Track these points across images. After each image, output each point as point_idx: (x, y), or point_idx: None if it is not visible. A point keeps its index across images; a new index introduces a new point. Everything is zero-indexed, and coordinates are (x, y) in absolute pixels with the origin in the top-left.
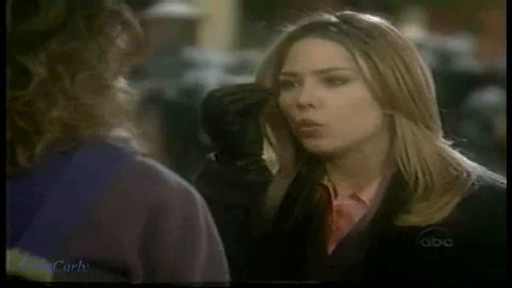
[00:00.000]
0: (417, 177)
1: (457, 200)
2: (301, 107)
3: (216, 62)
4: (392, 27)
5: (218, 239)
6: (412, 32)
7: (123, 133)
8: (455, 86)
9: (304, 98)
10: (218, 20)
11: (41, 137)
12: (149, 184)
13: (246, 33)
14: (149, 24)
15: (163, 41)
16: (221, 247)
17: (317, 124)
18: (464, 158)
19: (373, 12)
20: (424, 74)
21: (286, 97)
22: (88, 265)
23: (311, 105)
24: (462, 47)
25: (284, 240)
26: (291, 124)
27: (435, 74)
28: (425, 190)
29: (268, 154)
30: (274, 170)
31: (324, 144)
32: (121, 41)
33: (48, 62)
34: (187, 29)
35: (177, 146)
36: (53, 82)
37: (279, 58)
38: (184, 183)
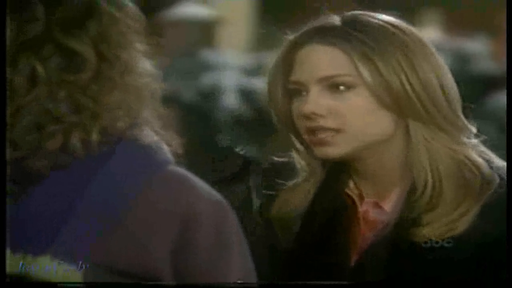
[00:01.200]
0: (426, 183)
1: (477, 207)
2: (306, 116)
3: (233, 64)
4: (403, 26)
5: (248, 249)
6: (429, 33)
7: (154, 136)
8: (473, 88)
9: (308, 108)
10: (236, 22)
11: (96, 122)
12: (180, 194)
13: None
14: (167, 26)
15: (180, 43)
16: (250, 258)
17: (328, 129)
18: (494, 159)
19: (389, 12)
20: (438, 76)
21: (296, 106)
22: (116, 274)
23: (314, 114)
24: (480, 49)
25: (308, 250)
26: (302, 132)
27: (452, 76)
28: (431, 196)
29: (298, 162)
30: (299, 178)
31: (332, 151)
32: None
33: (92, 44)
34: (204, 31)
35: (195, 148)
36: (103, 64)
37: (286, 66)
38: (215, 193)
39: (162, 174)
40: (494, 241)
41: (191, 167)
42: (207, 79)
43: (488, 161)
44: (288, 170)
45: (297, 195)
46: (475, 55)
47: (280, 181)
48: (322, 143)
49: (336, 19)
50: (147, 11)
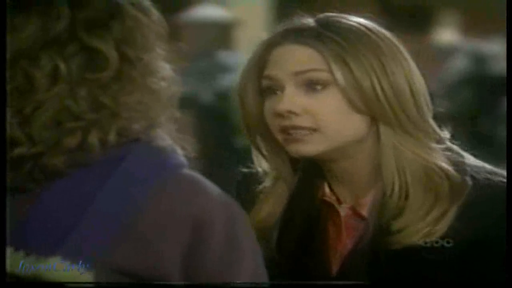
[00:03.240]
0: (393, 186)
1: (453, 210)
2: (280, 115)
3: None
4: (376, 29)
5: (260, 252)
6: (447, 35)
7: (168, 139)
8: (490, 89)
9: (283, 106)
10: (253, 24)
11: (115, 121)
12: (193, 198)
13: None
14: (184, 28)
15: (197, 45)
16: (262, 260)
17: (303, 128)
18: (466, 160)
19: (362, 14)
20: (409, 81)
21: (269, 105)
22: (127, 276)
23: (290, 112)
24: (497, 50)
25: (285, 260)
26: (274, 132)
27: (470, 77)
28: (399, 199)
29: (261, 166)
30: (268, 183)
31: (305, 148)
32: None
33: (115, 45)
34: (221, 33)
35: (211, 150)
36: (125, 65)
37: (259, 66)
38: (227, 197)
39: (175, 177)
40: (493, 241)
41: (207, 167)
42: (224, 81)
43: (460, 163)
44: (257, 178)
45: (269, 201)
46: (492, 56)
47: (253, 190)
48: (296, 140)
49: (309, 21)
50: (165, 13)
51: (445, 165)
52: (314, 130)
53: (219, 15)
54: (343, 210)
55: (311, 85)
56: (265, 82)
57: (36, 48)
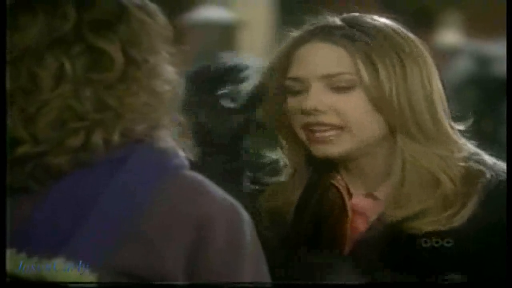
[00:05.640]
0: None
1: (474, 201)
2: (306, 112)
3: (254, 68)
4: (399, 29)
5: (262, 253)
6: (450, 36)
7: (170, 141)
8: (494, 91)
9: (309, 104)
10: (256, 26)
11: (119, 122)
12: (195, 198)
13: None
14: (187, 29)
15: (201, 47)
16: (264, 261)
17: (329, 125)
18: (486, 159)
19: (387, 15)
20: (425, 85)
21: (293, 103)
22: (130, 277)
23: (316, 110)
24: (500, 52)
25: (300, 243)
26: (297, 129)
27: (473, 78)
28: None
29: (281, 158)
30: (284, 175)
31: (332, 149)
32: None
33: (121, 46)
34: (225, 35)
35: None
36: (130, 67)
37: (284, 63)
38: (230, 198)
39: (177, 178)
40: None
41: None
42: None
43: (476, 155)
44: (273, 167)
45: (285, 190)
46: (495, 58)
47: (266, 177)
48: (323, 141)
49: (336, 20)
50: (168, 14)
51: (453, 172)
52: (340, 128)
53: (222, 17)
54: (355, 196)
55: (337, 87)
56: (290, 83)
57: (42, 47)
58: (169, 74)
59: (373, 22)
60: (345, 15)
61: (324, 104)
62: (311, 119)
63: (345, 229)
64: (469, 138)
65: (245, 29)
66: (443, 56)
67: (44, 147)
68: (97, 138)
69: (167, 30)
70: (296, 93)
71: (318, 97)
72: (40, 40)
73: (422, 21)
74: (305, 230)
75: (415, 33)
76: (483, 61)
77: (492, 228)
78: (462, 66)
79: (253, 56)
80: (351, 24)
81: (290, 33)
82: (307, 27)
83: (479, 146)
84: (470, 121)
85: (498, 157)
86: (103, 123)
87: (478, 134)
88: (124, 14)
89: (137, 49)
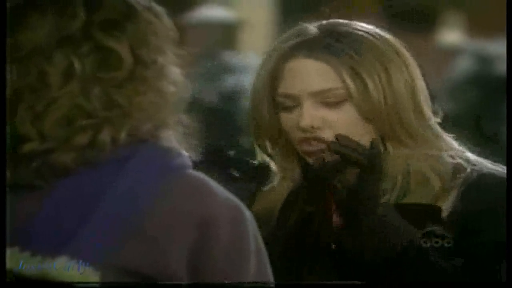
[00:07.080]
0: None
1: (454, 194)
2: (302, 130)
3: (255, 67)
4: (382, 35)
5: (265, 252)
6: (451, 36)
7: (174, 141)
8: (495, 90)
9: (305, 122)
10: (257, 25)
11: (127, 120)
12: (198, 199)
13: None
14: (188, 29)
15: (202, 46)
16: (268, 261)
17: (324, 141)
18: (470, 155)
19: (363, 19)
20: (409, 86)
21: (286, 118)
22: (133, 276)
23: (313, 127)
24: (501, 51)
25: (286, 241)
26: (294, 143)
27: (474, 78)
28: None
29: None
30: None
31: (328, 158)
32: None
33: (129, 45)
34: (226, 34)
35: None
36: (138, 66)
37: (273, 79)
38: (233, 198)
39: (181, 178)
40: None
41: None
42: (228, 82)
43: (461, 152)
44: (263, 172)
45: (276, 194)
46: (496, 57)
47: (256, 182)
48: (318, 153)
49: (313, 30)
50: (169, 14)
51: (442, 169)
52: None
53: (223, 16)
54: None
55: (328, 101)
56: (281, 99)
57: (51, 45)
58: (175, 75)
59: (353, 31)
60: (321, 23)
61: (318, 119)
62: (308, 135)
63: (330, 226)
64: (469, 138)
65: (246, 28)
66: (444, 56)
67: (51, 144)
68: (105, 136)
69: (173, 31)
70: (289, 108)
71: (312, 114)
72: (49, 38)
73: (423, 20)
74: (290, 229)
75: (416, 33)
76: (484, 61)
77: (472, 220)
78: (463, 66)
79: (253, 55)
80: (330, 34)
81: (269, 49)
82: (289, 42)
83: (479, 146)
84: (442, 115)
85: (499, 156)
86: (111, 121)
87: (478, 133)
88: (132, 14)
89: (145, 49)
